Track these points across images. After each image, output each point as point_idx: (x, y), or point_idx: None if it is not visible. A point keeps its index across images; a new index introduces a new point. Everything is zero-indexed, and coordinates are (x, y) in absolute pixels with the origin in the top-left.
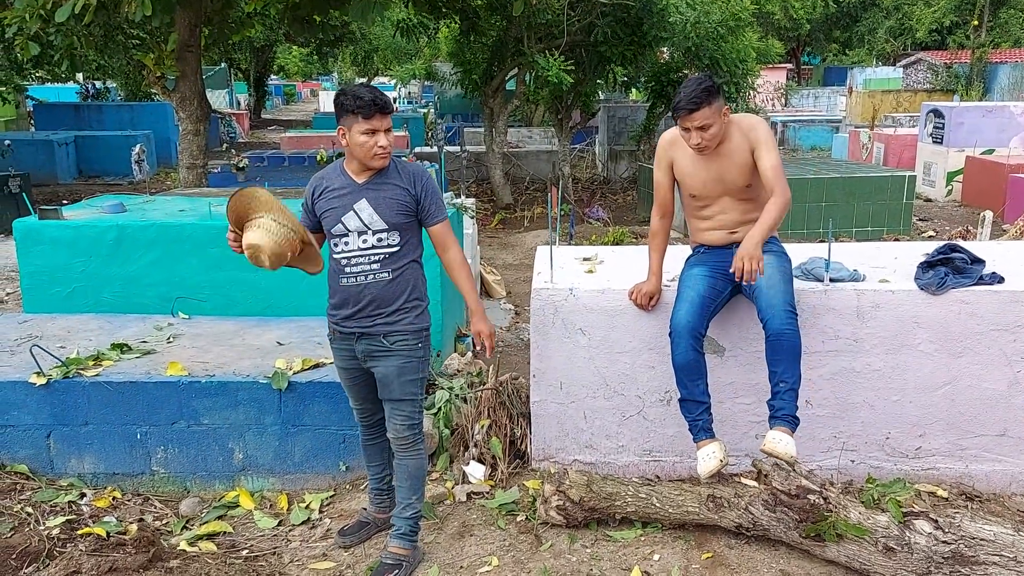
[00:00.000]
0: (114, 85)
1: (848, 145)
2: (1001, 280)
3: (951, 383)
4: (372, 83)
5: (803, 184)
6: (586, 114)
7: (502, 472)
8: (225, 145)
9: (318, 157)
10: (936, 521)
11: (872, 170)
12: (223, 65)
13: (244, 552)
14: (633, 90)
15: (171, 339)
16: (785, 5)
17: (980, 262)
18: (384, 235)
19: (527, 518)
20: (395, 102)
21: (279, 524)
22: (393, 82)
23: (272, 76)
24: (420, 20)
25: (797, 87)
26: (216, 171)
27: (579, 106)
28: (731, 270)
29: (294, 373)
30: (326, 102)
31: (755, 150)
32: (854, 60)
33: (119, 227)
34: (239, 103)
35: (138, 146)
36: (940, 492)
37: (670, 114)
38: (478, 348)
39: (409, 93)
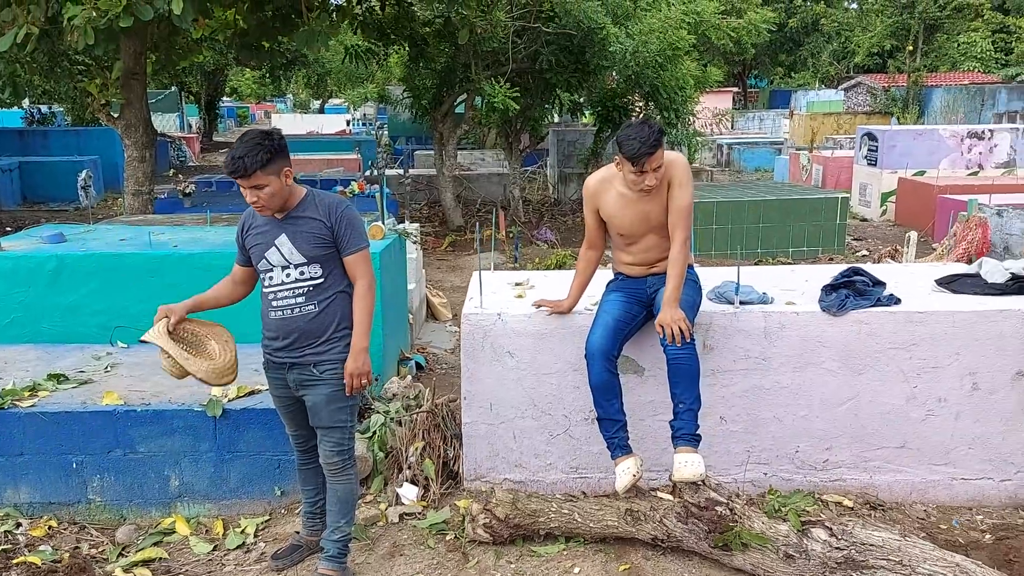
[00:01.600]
0: (60, 110)
1: (789, 167)
2: (898, 301)
3: (854, 399)
4: (326, 105)
5: (741, 206)
6: (535, 138)
7: (435, 493)
8: (173, 170)
9: None
10: (831, 529)
11: (808, 191)
12: (173, 88)
13: None
14: (585, 114)
15: (109, 368)
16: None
17: (881, 284)
18: (305, 268)
19: (456, 537)
20: (348, 124)
21: (214, 549)
22: (347, 105)
23: (225, 98)
24: (369, 46)
25: (743, 111)
26: (163, 197)
27: (528, 130)
28: (661, 337)
29: (229, 400)
30: (279, 124)
31: (671, 187)
32: (799, 83)
33: (58, 258)
34: (190, 126)
35: (84, 172)
36: (846, 502)
37: (616, 141)
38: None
39: (363, 115)
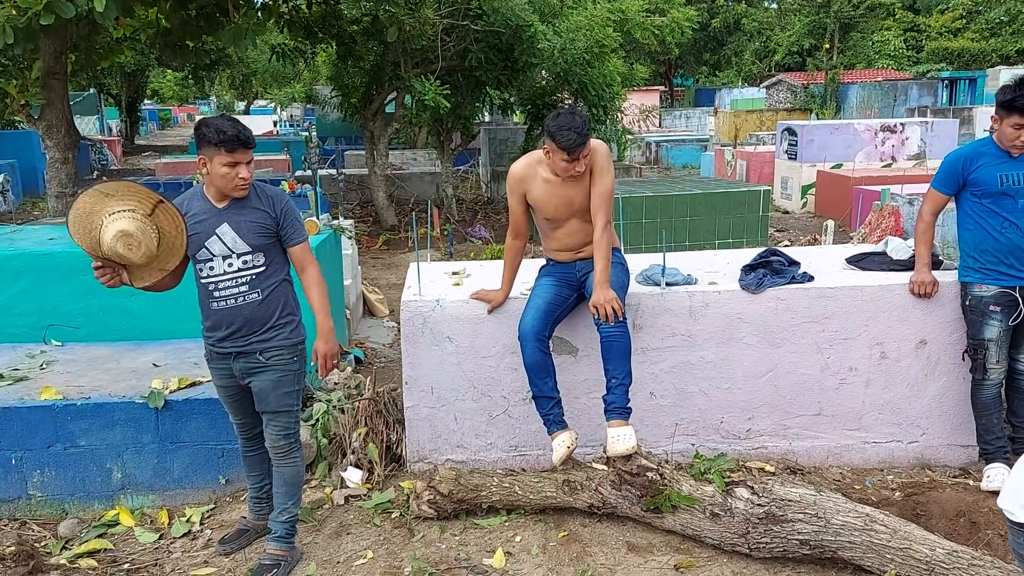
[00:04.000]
0: None
1: (714, 163)
2: (811, 279)
3: (773, 370)
4: (251, 106)
5: (669, 200)
6: (466, 136)
7: (379, 475)
8: (96, 173)
9: (195, 182)
10: (753, 488)
11: (733, 186)
12: (92, 90)
13: (126, 566)
14: (516, 112)
15: (44, 366)
16: (655, 32)
17: (796, 264)
18: (249, 257)
19: (401, 515)
20: (275, 125)
21: (160, 538)
22: (273, 105)
23: (146, 101)
24: (296, 45)
25: (670, 109)
26: None
27: (459, 128)
28: (594, 316)
29: (170, 392)
30: None
31: (592, 173)
32: (723, 81)
33: None
34: (110, 129)
35: (1, 176)
36: (768, 468)
37: (546, 131)
38: (314, 364)
39: (291, 116)
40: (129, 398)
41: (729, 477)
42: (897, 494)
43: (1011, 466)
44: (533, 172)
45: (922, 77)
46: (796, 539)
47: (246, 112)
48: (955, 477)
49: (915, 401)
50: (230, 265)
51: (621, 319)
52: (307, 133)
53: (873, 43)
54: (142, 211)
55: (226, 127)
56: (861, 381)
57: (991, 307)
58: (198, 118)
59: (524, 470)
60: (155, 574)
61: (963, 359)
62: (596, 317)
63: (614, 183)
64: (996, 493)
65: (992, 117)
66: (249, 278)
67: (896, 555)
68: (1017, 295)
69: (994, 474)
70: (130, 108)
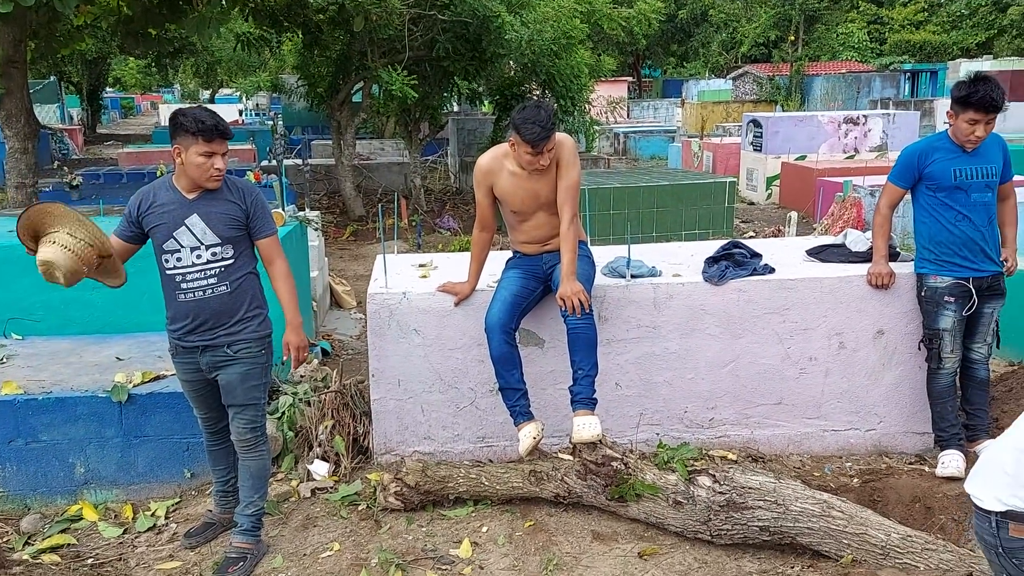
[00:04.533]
0: None
1: (682, 154)
2: (772, 270)
3: (735, 360)
4: (216, 95)
5: (636, 192)
6: (434, 126)
7: (345, 468)
8: (57, 163)
9: (158, 172)
10: (714, 476)
11: (699, 177)
12: (52, 79)
13: (90, 560)
14: (484, 102)
15: (4, 360)
16: (622, 24)
17: (757, 256)
18: (218, 249)
19: (368, 506)
20: (241, 115)
21: (124, 533)
22: (238, 94)
23: (108, 89)
24: (262, 34)
25: (638, 100)
26: (48, 190)
27: (427, 118)
28: (561, 308)
29: (134, 386)
30: (167, 115)
31: (559, 166)
32: (691, 73)
33: None
34: (72, 118)
35: None
36: (731, 456)
37: (512, 124)
38: (285, 359)
39: (256, 105)
40: (92, 392)
41: (692, 466)
42: (855, 481)
43: (965, 453)
44: (500, 165)
45: (885, 69)
46: (756, 525)
47: (211, 101)
48: (911, 464)
49: (872, 390)
50: (199, 257)
51: (588, 311)
52: (273, 123)
53: (837, 35)
54: (83, 254)
55: (205, 117)
56: (820, 371)
57: (946, 298)
58: (170, 109)
59: (491, 461)
60: (119, 568)
61: (919, 348)
62: (563, 309)
63: (581, 176)
64: (951, 479)
65: (948, 112)
66: (218, 270)
67: (852, 540)
68: (970, 286)
69: (949, 460)
70: (92, 96)
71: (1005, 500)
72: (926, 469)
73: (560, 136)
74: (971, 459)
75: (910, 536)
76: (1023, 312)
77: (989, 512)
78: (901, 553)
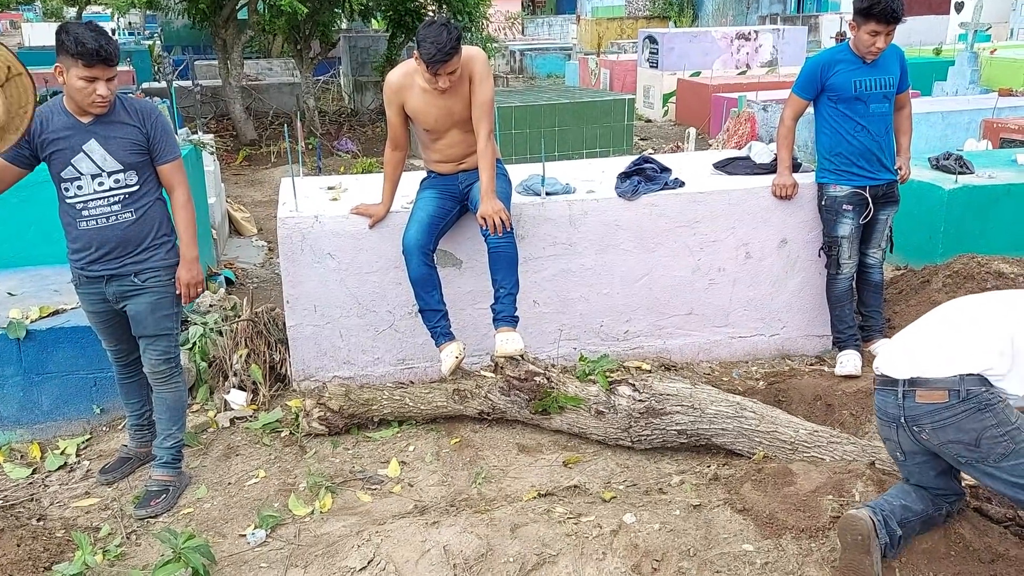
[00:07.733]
0: None
1: (579, 72)
2: (682, 184)
3: (648, 274)
4: (84, 12)
5: (537, 110)
6: (326, 45)
7: (264, 396)
8: None
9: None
10: (634, 385)
11: (598, 95)
12: None
13: None
14: (374, 19)
15: None
16: None
17: (667, 171)
18: (121, 176)
19: (291, 433)
20: (113, 34)
21: (33, 473)
22: (109, 12)
23: None
24: None
25: (532, 16)
26: None
27: (318, 36)
28: (482, 227)
29: (31, 322)
30: (31, 35)
31: (472, 82)
32: None
33: None
34: None
35: None
36: (645, 366)
37: (412, 45)
38: (179, 293)
39: (130, 23)
40: None
41: (611, 377)
42: (761, 383)
43: (861, 352)
44: (411, 81)
45: None
46: (675, 429)
47: (78, 19)
48: (812, 365)
49: (777, 297)
50: (100, 184)
51: (509, 229)
52: (151, 43)
53: None
54: None
55: (87, 38)
56: (728, 281)
57: (844, 206)
58: (34, 28)
59: (413, 383)
60: (32, 509)
61: (819, 256)
62: (484, 228)
63: (494, 92)
64: (848, 377)
65: (849, 23)
66: (121, 197)
67: (764, 438)
68: (867, 194)
69: (847, 360)
70: None
71: (969, 368)
72: (825, 369)
73: (473, 51)
74: (867, 358)
75: (816, 431)
76: (912, 218)
77: (897, 381)
78: (809, 447)
